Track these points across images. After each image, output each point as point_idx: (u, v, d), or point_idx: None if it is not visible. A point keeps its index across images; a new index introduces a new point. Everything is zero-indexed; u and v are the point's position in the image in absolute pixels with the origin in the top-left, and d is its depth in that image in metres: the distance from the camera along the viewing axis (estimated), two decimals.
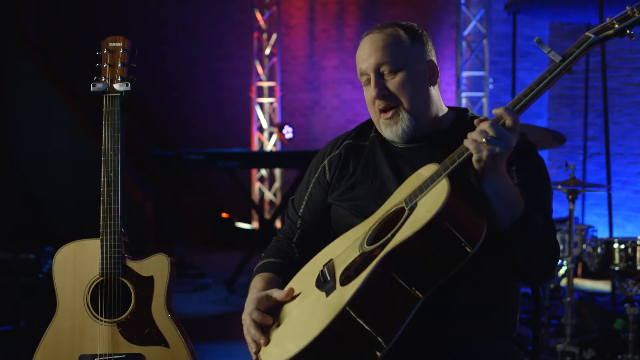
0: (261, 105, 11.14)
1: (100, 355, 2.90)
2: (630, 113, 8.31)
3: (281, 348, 2.16)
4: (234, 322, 6.67)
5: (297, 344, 2.07)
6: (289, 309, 2.30)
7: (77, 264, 2.93)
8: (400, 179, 2.40)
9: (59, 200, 11.20)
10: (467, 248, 2.06)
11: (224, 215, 11.08)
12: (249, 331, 2.31)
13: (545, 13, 7.51)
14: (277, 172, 11.09)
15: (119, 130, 2.94)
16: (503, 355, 2.39)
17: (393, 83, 2.38)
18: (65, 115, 11.45)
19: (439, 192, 2.10)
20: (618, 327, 5.36)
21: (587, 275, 7.77)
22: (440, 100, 2.47)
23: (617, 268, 4.93)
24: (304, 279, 2.36)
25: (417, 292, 2.08)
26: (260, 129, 11.12)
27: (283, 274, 2.51)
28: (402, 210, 2.19)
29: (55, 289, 2.94)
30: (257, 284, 2.48)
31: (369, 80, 2.42)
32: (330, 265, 2.27)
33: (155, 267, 2.92)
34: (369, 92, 2.42)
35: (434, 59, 2.46)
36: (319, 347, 2.04)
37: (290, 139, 10.26)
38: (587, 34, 2.13)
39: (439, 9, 9.35)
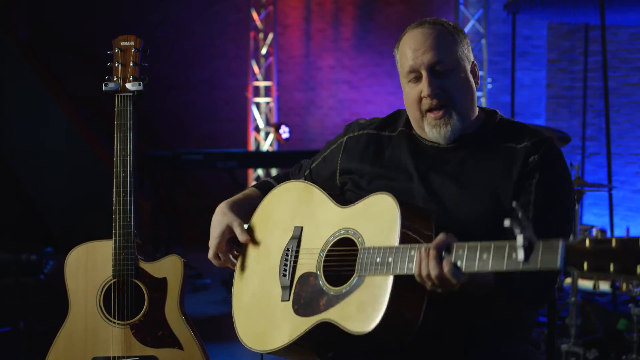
0: (257, 105, 11.12)
1: (114, 358, 2.87)
2: (629, 113, 8.31)
3: (251, 332, 2.48)
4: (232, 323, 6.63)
5: (260, 345, 2.44)
6: (255, 272, 2.52)
7: (90, 266, 2.90)
8: (423, 177, 2.37)
9: (53, 200, 11.14)
10: (393, 342, 2.21)
11: None
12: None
13: (544, 13, 7.49)
14: (273, 172, 11.06)
15: (132, 130, 2.92)
16: (520, 355, 2.39)
17: (448, 83, 2.33)
18: (60, 115, 11.39)
19: (381, 293, 2.15)
20: (622, 328, 5.35)
21: (584, 274, 7.76)
22: (476, 102, 2.45)
23: None
24: (276, 226, 2.52)
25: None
26: (257, 129, 11.09)
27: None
28: (354, 249, 2.27)
29: (67, 291, 2.91)
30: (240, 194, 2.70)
31: (417, 78, 2.36)
32: (295, 253, 2.41)
33: (169, 268, 2.90)
34: (416, 89, 2.36)
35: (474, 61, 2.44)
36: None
37: (287, 139, 10.23)
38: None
39: (436, 8, 9.34)
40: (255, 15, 10.98)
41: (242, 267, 2.56)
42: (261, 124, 11.07)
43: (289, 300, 2.36)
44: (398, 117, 2.54)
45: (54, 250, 5.71)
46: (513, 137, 2.37)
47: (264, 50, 11.02)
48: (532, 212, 2.25)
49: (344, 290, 2.24)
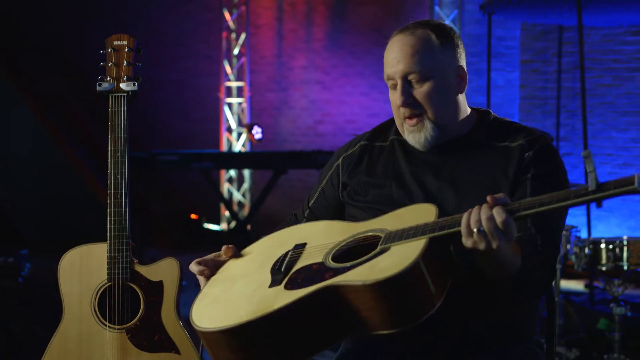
0: (230, 105, 11.07)
1: None
2: (601, 114, 8.39)
3: (209, 313, 2.15)
4: None
5: (217, 322, 2.07)
6: (240, 273, 2.29)
7: (84, 269, 2.85)
8: (420, 183, 2.38)
9: (23, 202, 11.02)
10: (404, 320, 1.97)
11: (193, 216, 10.97)
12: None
13: (520, 14, 7.54)
14: (246, 172, 11.02)
15: (126, 131, 2.87)
16: (525, 356, 2.39)
17: (420, 92, 2.34)
18: (27, 115, 11.27)
19: (409, 253, 2.01)
20: (602, 327, 5.39)
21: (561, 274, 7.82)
22: (465, 104, 2.44)
23: (604, 268, 4.94)
24: (272, 247, 2.36)
25: (328, 336, 2.03)
26: (229, 130, 11.04)
27: None
28: (377, 241, 2.14)
29: (61, 295, 2.85)
30: None
31: (395, 86, 2.38)
32: (296, 254, 2.26)
33: (165, 271, 2.86)
34: (395, 97, 2.38)
35: (464, 63, 2.41)
36: (234, 334, 2.04)
37: (259, 140, 10.20)
38: (635, 184, 1.87)
39: (410, 9, 9.34)
40: (227, 15, 10.93)
41: (221, 277, 2.36)
42: (233, 124, 11.02)
43: (280, 284, 2.14)
44: (388, 126, 2.55)
45: (29, 253, 5.61)
46: (508, 136, 2.38)
47: (236, 51, 10.97)
48: None
49: (361, 260, 2.07)
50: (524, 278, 2.18)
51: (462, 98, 2.42)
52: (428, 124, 2.35)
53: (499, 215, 1.98)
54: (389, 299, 1.96)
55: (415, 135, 2.37)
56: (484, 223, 1.99)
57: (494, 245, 1.99)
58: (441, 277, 2.03)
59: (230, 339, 2.04)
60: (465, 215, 2.02)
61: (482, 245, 2.00)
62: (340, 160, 2.56)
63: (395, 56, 2.35)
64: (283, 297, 2.06)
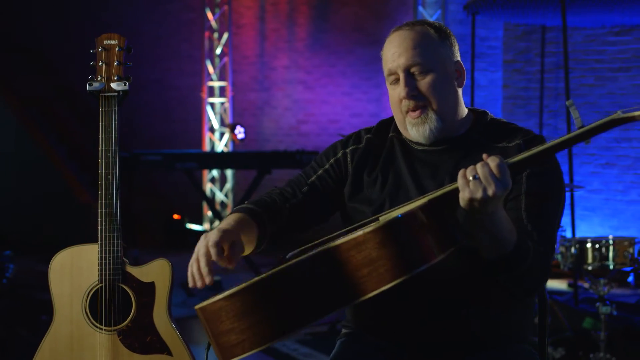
0: (212, 105, 11.04)
1: None
2: (584, 114, 8.42)
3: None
4: (195, 326, 6.54)
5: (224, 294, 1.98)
6: None
7: (75, 270, 2.82)
8: (417, 182, 2.37)
9: (2, 202, 10.94)
10: (405, 267, 1.93)
11: (176, 216, 10.93)
12: (199, 261, 2.18)
13: (504, 14, 7.56)
14: (229, 172, 10.99)
15: (116, 131, 2.84)
16: (524, 357, 2.39)
17: (423, 84, 2.33)
18: (8, 115, 11.20)
19: (407, 208, 2.03)
20: (587, 326, 5.41)
21: None
22: (463, 103, 2.44)
23: (590, 268, 4.97)
24: None
25: (321, 307, 1.97)
26: (212, 130, 11.01)
27: (260, 222, 2.38)
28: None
29: (51, 297, 2.83)
30: (230, 220, 2.31)
31: (397, 80, 2.36)
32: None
33: (157, 272, 2.83)
34: (397, 91, 2.36)
35: (460, 60, 2.42)
36: (233, 301, 1.96)
37: (242, 139, 10.17)
38: (618, 112, 2.04)
39: (393, 9, 9.34)
40: (209, 14, 10.90)
41: None
42: (216, 124, 10.99)
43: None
44: (386, 124, 2.54)
45: (13, 254, 5.55)
46: (505, 137, 2.39)
47: (218, 50, 10.94)
48: (524, 202, 2.27)
49: (357, 225, 2.13)
50: (519, 268, 2.16)
51: (461, 94, 2.43)
52: (432, 115, 2.34)
53: (492, 160, 2.00)
54: (391, 244, 1.93)
55: (419, 128, 2.35)
56: (479, 169, 1.99)
57: (490, 191, 1.97)
58: (442, 236, 2.02)
59: (230, 305, 1.96)
60: (461, 170, 2.03)
61: (478, 194, 1.98)
62: (348, 150, 2.52)
63: (396, 50, 2.35)
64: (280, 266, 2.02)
